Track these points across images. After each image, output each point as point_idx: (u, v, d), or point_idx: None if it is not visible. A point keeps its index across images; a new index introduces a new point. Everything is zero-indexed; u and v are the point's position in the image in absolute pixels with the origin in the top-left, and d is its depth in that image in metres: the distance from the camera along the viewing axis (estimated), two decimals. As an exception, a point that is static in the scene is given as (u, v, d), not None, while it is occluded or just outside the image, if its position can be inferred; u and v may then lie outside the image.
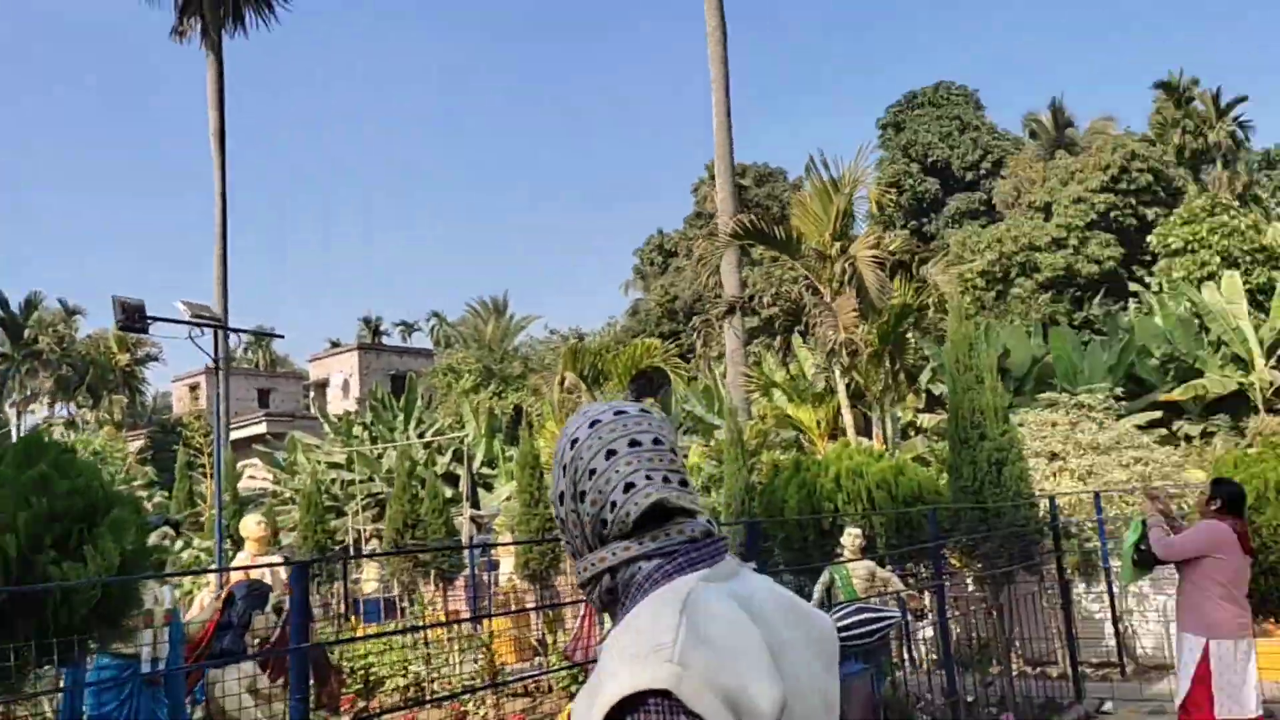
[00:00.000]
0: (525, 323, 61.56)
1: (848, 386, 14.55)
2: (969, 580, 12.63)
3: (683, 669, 1.18)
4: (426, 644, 11.63)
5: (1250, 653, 6.80)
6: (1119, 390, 23.75)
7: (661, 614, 1.27)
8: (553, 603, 12.73)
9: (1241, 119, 50.34)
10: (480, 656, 11.74)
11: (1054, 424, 13.95)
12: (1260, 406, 27.88)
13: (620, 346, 22.77)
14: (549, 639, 12.07)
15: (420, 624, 12.82)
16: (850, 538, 9.91)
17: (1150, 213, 42.36)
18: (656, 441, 1.44)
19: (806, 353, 20.78)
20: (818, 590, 10.06)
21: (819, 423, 16.19)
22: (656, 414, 1.50)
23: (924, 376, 31.02)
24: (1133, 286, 37.95)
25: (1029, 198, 46.61)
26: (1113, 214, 42.63)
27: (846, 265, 13.81)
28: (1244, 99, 49.76)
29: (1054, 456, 13.42)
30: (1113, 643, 12.96)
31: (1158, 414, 28.18)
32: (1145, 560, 7.36)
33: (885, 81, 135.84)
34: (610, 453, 1.41)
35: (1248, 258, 32.82)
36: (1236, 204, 36.09)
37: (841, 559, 10.10)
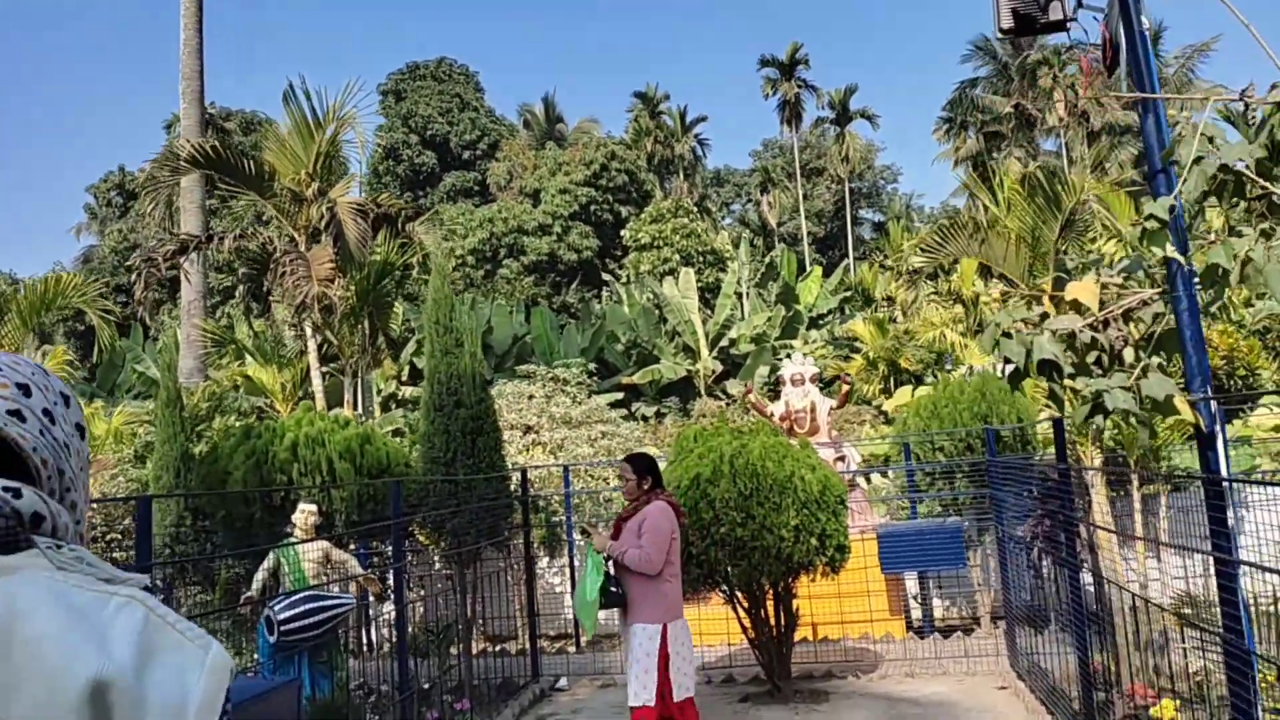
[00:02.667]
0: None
1: (320, 347, 13.09)
2: (437, 558, 11.94)
3: None
4: None
5: (688, 629, 6.39)
6: (589, 366, 24.96)
7: None
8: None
9: (701, 137, 56.87)
10: None
11: (531, 396, 13.82)
12: (703, 391, 31.31)
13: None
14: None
15: None
16: (303, 515, 8.57)
17: (624, 210, 45.94)
18: None
19: (285, 310, 18.80)
20: (260, 576, 8.57)
21: (284, 386, 14.47)
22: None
23: (410, 349, 30.32)
24: (606, 276, 40.80)
25: (520, 183, 48.15)
26: (593, 207, 45.54)
27: (325, 210, 12.35)
28: (704, 119, 56.32)
29: (529, 429, 13.26)
30: (570, 614, 13.07)
31: (620, 395, 30.38)
32: (616, 600, 6.18)
33: (389, 51, 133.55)
34: None
35: (701, 258, 36.76)
36: (695, 210, 40.37)
37: (292, 539, 8.71)
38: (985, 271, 40.03)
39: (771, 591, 9.13)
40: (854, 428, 22.15)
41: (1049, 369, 4.17)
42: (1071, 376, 4.17)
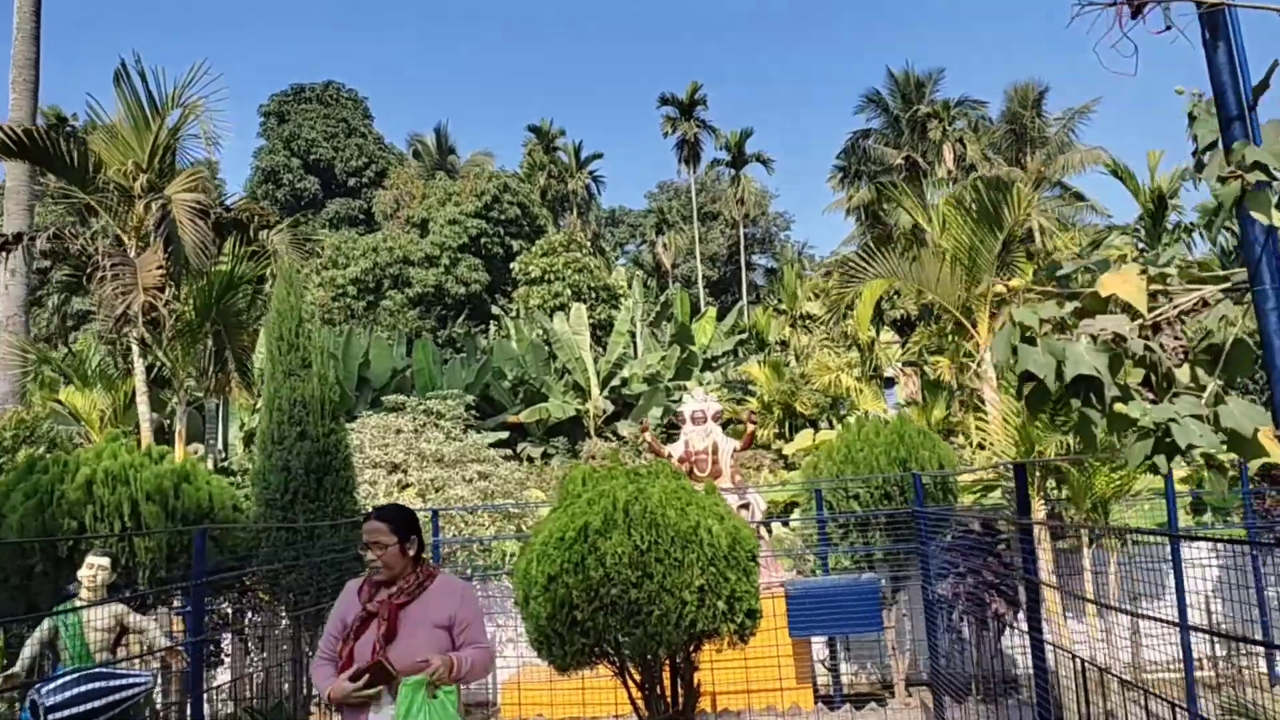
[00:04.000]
0: None
1: (150, 370, 11.26)
2: (284, 618, 10.21)
3: None
4: None
5: None
6: (470, 400, 23.32)
7: None
8: None
9: (596, 174, 56.04)
10: None
11: (399, 430, 12.23)
12: (593, 431, 29.95)
13: None
14: None
15: None
16: (90, 571, 6.84)
17: (516, 244, 44.52)
18: None
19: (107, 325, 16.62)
20: (29, 649, 6.79)
21: (104, 414, 12.54)
22: None
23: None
24: (495, 310, 39.27)
25: (408, 212, 46.29)
26: (483, 240, 43.99)
27: (159, 209, 10.62)
28: (599, 156, 55.58)
29: (395, 468, 11.67)
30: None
31: (505, 434, 28.75)
32: None
33: (276, 75, 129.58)
34: None
35: (593, 294, 35.56)
36: (588, 245, 39.26)
37: (77, 602, 6.95)
38: (879, 317, 39.92)
39: (669, 663, 7.79)
40: (750, 473, 21.11)
41: (1085, 388, 2.97)
42: (1119, 400, 2.98)
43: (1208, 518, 14.01)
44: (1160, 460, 2.88)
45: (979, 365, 8.12)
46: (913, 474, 8.86)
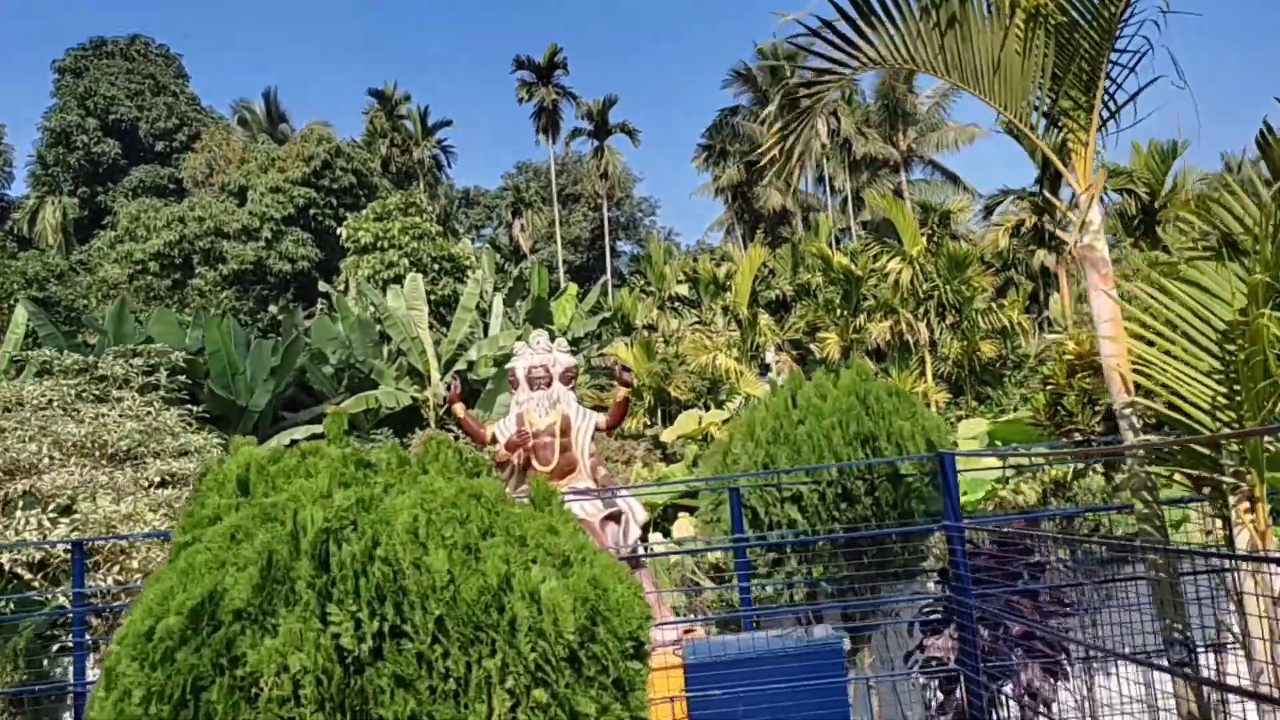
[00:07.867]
0: None
1: None
2: None
3: None
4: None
5: None
6: (177, 359, 18.44)
7: None
8: None
9: (445, 143, 50.91)
10: None
11: (37, 406, 7.51)
12: (433, 422, 25.30)
13: None
14: None
15: None
16: None
17: (350, 217, 39.22)
18: None
19: None
20: None
21: None
22: None
23: None
24: (323, 287, 33.96)
25: (223, 178, 40.31)
26: (312, 211, 38.47)
27: None
28: (449, 123, 50.42)
29: (12, 470, 6.94)
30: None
31: (320, 428, 23.80)
32: None
33: (77, 26, 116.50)
34: None
35: (435, 265, 30.77)
36: (429, 209, 34.33)
37: None
38: (755, 299, 36.20)
39: None
40: (618, 468, 16.93)
41: None
42: None
43: None
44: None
45: (1080, 232, 4.20)
46: (938, 453, 4.85)
